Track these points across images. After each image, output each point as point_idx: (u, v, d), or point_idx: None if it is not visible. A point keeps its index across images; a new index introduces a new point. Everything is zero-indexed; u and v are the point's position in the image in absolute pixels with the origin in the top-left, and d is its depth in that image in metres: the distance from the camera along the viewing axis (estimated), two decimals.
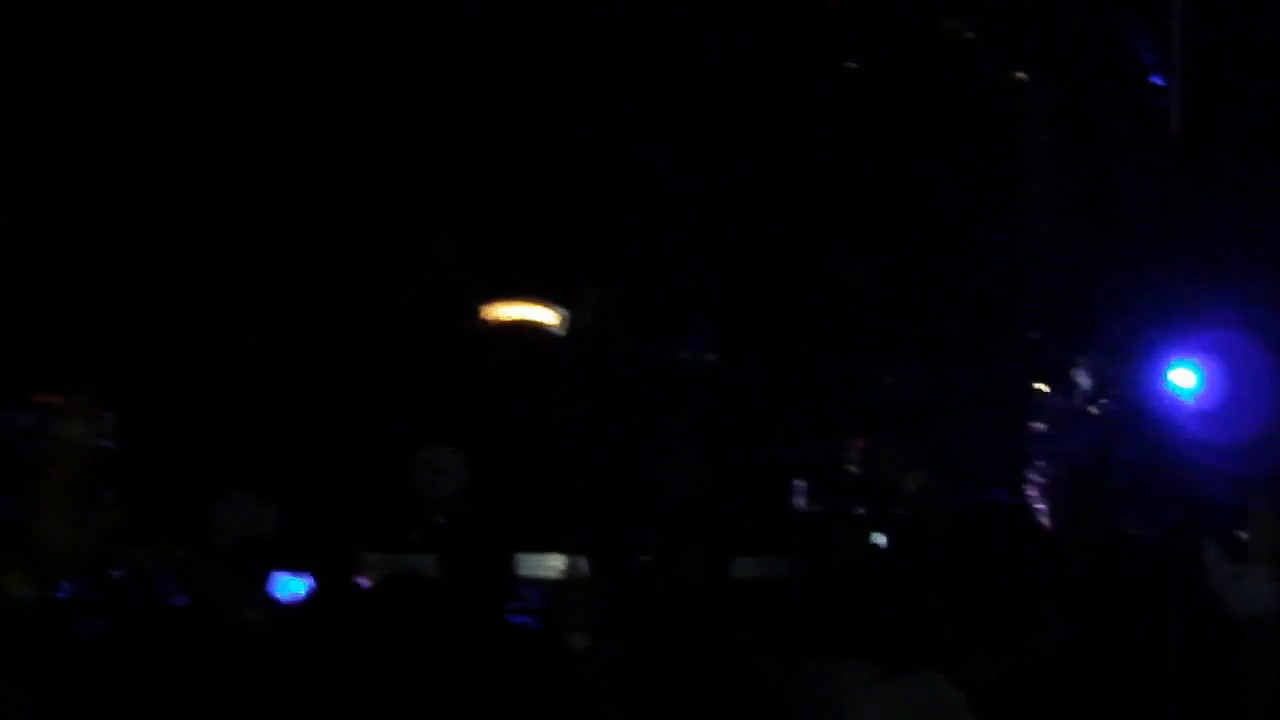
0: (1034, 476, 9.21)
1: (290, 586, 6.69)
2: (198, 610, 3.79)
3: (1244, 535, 2.75)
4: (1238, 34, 8.89)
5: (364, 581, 7.66)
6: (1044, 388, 9.53)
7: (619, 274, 8.20)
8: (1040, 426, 9.37)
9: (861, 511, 7.95)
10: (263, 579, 4.34)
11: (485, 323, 7.81)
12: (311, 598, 4.82)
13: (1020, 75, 9.77)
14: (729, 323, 8.61)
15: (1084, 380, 9.50)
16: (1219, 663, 2.69)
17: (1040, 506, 8.82)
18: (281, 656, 3.80)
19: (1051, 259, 9.83)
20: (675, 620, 3.32)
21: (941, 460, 7.46)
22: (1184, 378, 8.85)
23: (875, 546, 4.10)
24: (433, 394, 7.35)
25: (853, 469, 7.95)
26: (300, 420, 7.15)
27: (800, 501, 8.38)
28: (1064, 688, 3.06)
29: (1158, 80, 9.30)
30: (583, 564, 4.36)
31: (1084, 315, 9.68)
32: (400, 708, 3.43)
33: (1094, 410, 9.13)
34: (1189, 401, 8.51)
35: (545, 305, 7.97)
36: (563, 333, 8.02)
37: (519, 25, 8.43)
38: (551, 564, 5.91)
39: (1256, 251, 9.60)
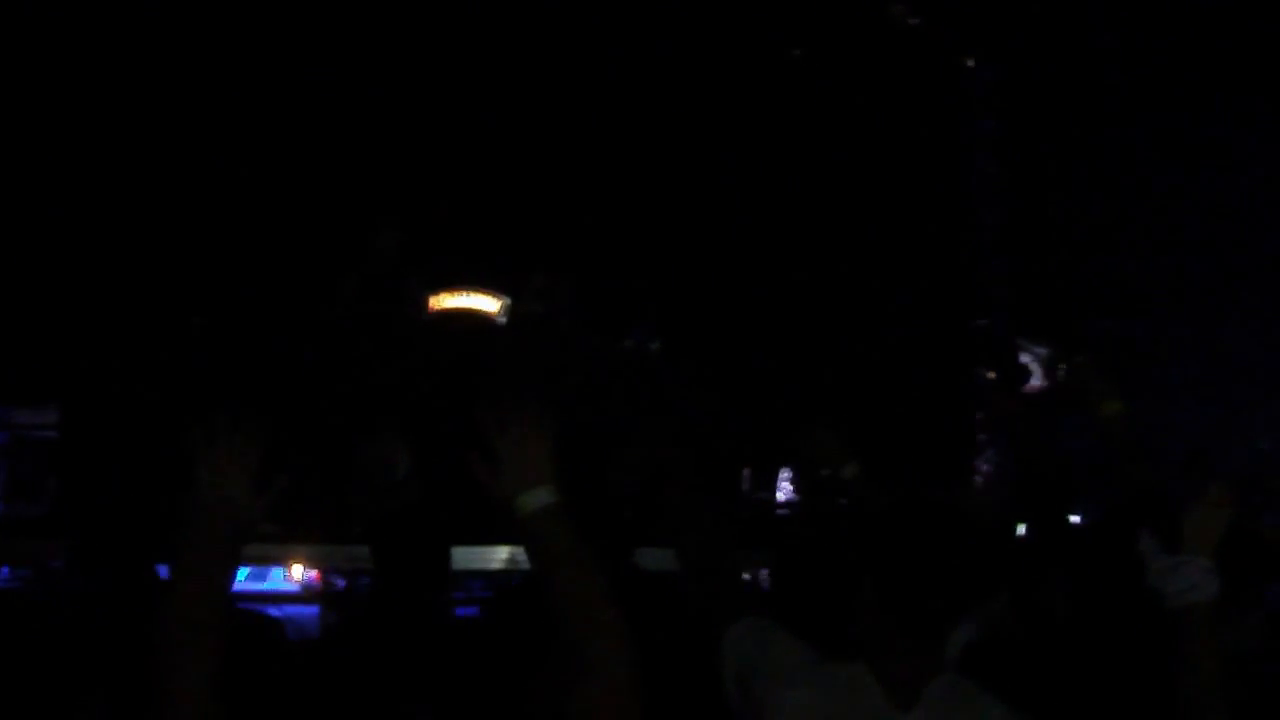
0: (981, 465, 9.35)
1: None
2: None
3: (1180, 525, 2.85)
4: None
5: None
6: (991, 375, 9.64)
7: (562, 261, 8.25)
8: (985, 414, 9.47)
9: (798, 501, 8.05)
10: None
11: (427, 311, 7.84)
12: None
13: (967, 60, 9.90)
14: (673, 311, 8.65)
15: (1032, 367, 9.64)
16: (1155, 654, 2.78)
17: (986, 496, 8.98)
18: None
19: (999, 244, 9.97)
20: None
21: (886, 451, 7.55)
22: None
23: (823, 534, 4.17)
24: (374, 384, 7.38)
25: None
26: (240, 410, 7.14)
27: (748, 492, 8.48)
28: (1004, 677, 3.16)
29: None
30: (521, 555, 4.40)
31: (1031, 302, 9.84)
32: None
33: (1042, 398, 9.28)
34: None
35: (487, 293, 8.00)
36: (505, 321, 8.06)
37: (458, 14, 8.45)
38: (499, 556, 5.99)
39: (1204, 239, 9.82)
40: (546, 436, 2.57)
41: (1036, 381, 9.48)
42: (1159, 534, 2.79)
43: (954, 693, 2.73)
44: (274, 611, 5.78)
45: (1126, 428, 3.85)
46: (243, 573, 6.61)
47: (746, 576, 6.16)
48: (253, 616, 4.41)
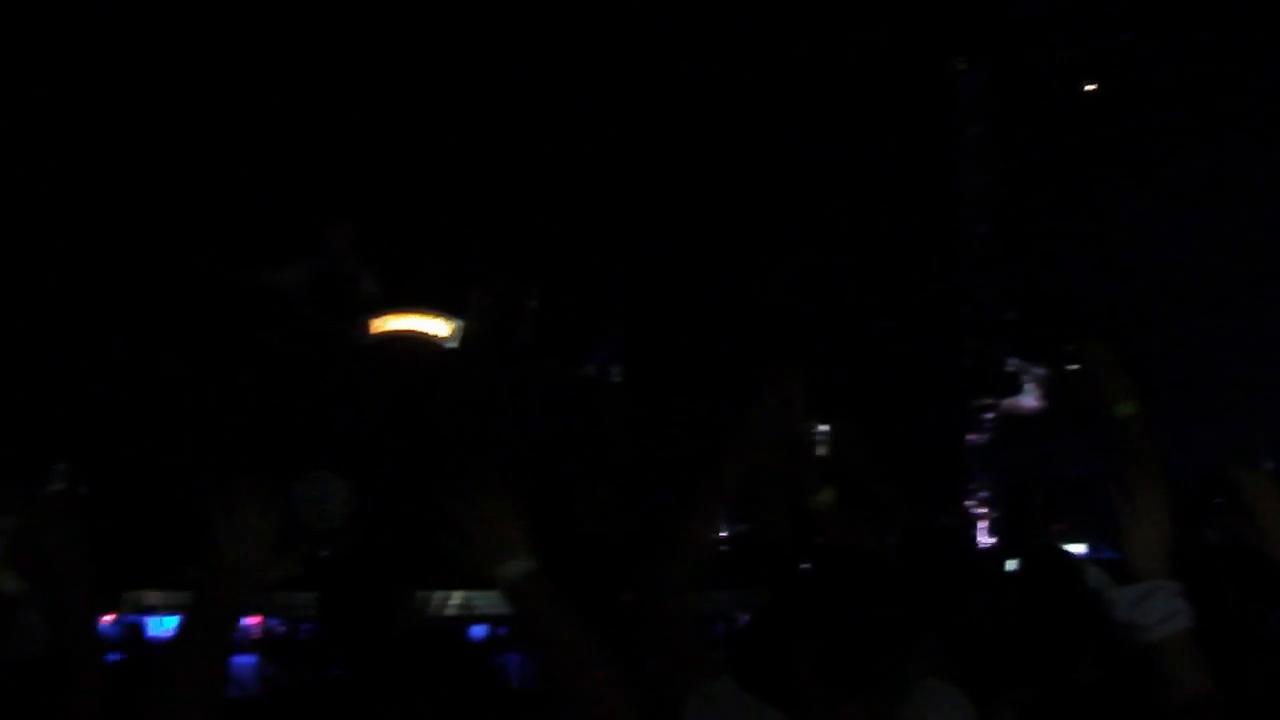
0: (975, 491, 9.39)
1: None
2: None
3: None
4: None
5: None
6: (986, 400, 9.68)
7: (518, 282, 8.25)
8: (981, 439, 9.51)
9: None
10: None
11: (375, 334, 7.82)
12: None
13: (959, 64, 9.98)
14: (639, 336, 8.63)
15: (1028, 389, 9.68)
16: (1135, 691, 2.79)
17: (982, 523, 9.04)
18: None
19: (991, 261, 10.04)
20: None
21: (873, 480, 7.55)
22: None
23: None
24: (317, 413, 7.37)
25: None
26: (175, 439, 7.16)
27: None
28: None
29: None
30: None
31: (1027, 320, 9.89)
32: None
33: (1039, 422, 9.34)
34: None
35: (437, 316, 7.99)
36: (455, 345, 8.05)
37: (419, 23, 8.51)
38: (453, 601, 6.00)
39: (1193, 250, 9.91)
40: (512, 505, 2.66)
41: (1032, 402, 9.54)
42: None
43: None
44: None
45: (1141, 432, 3.81)
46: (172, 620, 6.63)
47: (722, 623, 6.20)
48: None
